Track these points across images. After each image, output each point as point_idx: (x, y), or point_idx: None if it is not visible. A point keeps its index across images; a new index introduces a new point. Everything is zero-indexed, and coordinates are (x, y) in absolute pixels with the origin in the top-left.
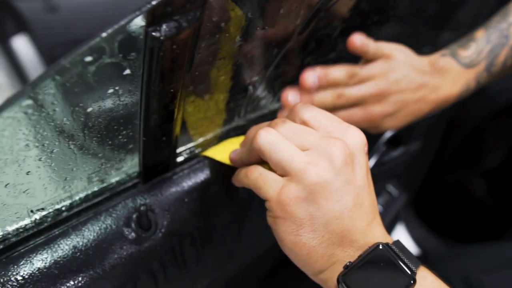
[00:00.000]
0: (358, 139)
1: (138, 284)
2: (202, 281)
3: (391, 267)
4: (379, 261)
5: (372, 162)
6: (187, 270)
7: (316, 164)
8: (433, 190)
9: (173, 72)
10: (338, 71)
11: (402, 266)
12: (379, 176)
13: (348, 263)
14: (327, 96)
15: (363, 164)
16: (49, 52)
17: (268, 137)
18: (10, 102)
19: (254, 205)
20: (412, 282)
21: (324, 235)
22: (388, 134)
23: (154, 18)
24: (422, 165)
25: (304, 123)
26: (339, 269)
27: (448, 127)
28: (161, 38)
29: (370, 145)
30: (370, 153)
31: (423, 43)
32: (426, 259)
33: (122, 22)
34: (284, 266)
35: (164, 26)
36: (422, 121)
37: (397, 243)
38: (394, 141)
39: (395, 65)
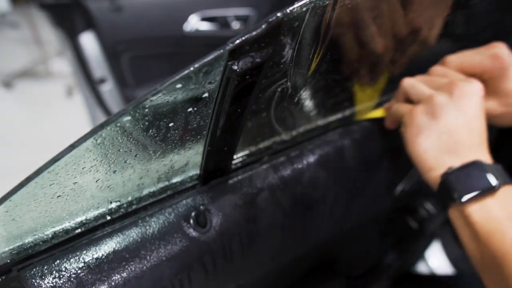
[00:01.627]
0: (475, 86)
1: (190, 273)
2: (244, 277)
3: (483, 176)
4: (476, 171)
5: (413, 179)
6: (232, 265)
7: (439, 94)
8: None
9: (242, 97)
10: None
11: (491, 176)
12: (417, 194)
13: (451, 167)
14: None
15: (477, 102)
16: (112, 48)
17: (409, 80)
18: (115, 117)
19: (298, 211)
20: (494, 187)
21: (437, 142)
22: None
23: (234, 55)
24: None
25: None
26: (444, 170)
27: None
28: (238, 70)
29: (409, 167)
30: (408, 173)
31: None
32: (461, 279)
33: (209, 58)
34: (313, 272)
35: (241, 61)
36: None
37: (496, 165)
38: None
39: None
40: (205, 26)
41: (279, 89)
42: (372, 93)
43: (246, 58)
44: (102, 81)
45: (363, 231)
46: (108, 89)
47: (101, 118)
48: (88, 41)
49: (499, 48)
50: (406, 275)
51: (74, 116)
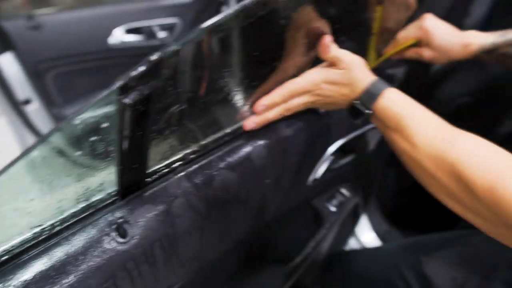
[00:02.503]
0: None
1: (116, 280)
2: (171, 278)
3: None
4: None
5: (323, 168)
6: (157, 268)
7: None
8: (392, 187)
9: (139, 122)
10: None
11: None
12: (332, 181)
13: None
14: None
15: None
16: (34, 68)
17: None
18: (23, 154)
19: (213, 213)
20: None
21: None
22: (337, 144)
23: (123, 90)
24: (377, 168)
25: None
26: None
27: None
28: (128, 103)
29: (320, 154)
30: (320, 161)
31: None
32: (387, 249)
33: (103, 95)
34: (245, 264)
35: (131, 95)
36: (370, 131)
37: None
38: (345, 150)
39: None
40: (130, 38)
41: (177, 109)
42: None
43: (134, 91)
44: (27, 102)
45: (284, 221)
46: (34, 109)
47: (31, 139)
48: (8, 62)
49: (424, 19)
50: (339, 254)
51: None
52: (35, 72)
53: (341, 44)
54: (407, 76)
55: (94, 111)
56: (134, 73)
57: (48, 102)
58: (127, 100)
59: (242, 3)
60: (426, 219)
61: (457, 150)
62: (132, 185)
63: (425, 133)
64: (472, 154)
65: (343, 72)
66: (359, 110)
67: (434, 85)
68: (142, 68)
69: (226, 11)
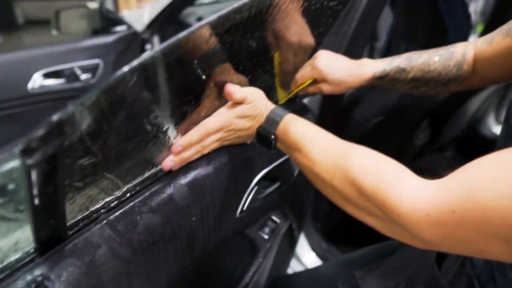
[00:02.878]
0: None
1: None
2: None
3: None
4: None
5: (250, 199)
6: None
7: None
8: (326, 207)
9: (49, 179)
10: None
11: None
12: (262, 209)
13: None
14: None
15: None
16: None
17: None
18: None
19: (139, 257)
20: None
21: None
22: (262, 174)
23: (25, 153)
24: (306, 190)
25: None
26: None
27: None
28: (32, 164)
29: (245, 185)
30: (246, 191)
31: None
32: (328, 268)
33: (7, 157)
34: None
35: (35, 156)
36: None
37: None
38: (270, 178)
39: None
40: (51, 82)
41: (90, 161)
42: None
43: (38, 152)
44: None
45: (220, 253)
46: None
47: None
48: None
49: (316, 59)
50: (282, 278)
51: None
52: None
53: (255, 80)
54: (323, 102)
55: None
56: (34, 135)
57: None
58: (30, 161)
59: (144, 56)
60: (361, 234)
61: (349, 160)
62: (52, 240)
63: (321, 149)
64: (362, 162)
65: (250, 106)
66: (265, 137)
67: (350, 108)
68: (41, 131)
69: (132, 64)
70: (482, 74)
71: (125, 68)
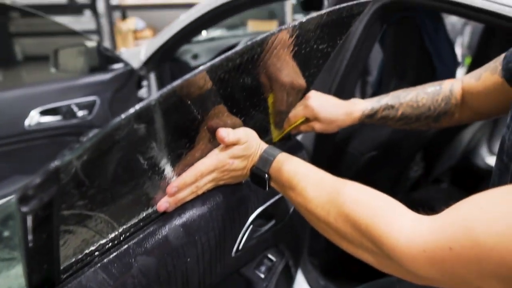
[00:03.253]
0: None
1: None
2: None
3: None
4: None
5: (245, 238)
6: None
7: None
8: (323, 243)
9: (44, 225)
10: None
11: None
12: (258, 248)
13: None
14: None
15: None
16: None
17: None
18: None
19: None
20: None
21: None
22: (257, 212)
23: (21, 201)
24: (302, 227)
25: None
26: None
27: None
28: (28, 211)
29: (241, 224)
30: (241, 230)
31: None
32: None
33: (4, 205)
34: None
35: (31, 203)
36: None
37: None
38: (265, 216)
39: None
40: (48, 119)
41: (86, 204)
42: None
43: (34, 200)
44: None
45: None
46: None
47: None
48: None
49: (308, 99)
50: None
51: None
52: None
53: (249, 121)
54: (317, 138)
55: None
56: (31, 183)
57: None
58: (26, 209)
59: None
60: (359, 270)
61: (343, 196)
62: (45, 285)
63: (314, 186)
64: (356, 198)
65: (244, 147)
66: (258, 176)
67: (344, 143)
68: (38, 179)
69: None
70: (473, 109)
71: (122, 116)
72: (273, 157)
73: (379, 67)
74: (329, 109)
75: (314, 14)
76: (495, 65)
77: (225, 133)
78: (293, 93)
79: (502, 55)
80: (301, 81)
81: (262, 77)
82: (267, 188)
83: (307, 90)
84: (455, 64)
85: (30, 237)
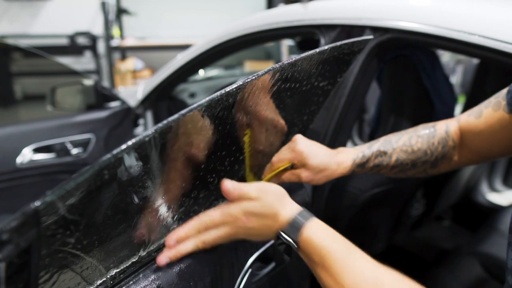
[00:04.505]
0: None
1: None
2: None
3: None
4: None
5: (243, 283)
6: None
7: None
8: None
9: (18, 275)
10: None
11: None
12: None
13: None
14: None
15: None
16: None
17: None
18: None
19: None
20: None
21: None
22: (257, 253)
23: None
24: (300, 272)
25: None
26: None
27: None
28: (1, 258)
29: (237, 270)
30: (239, 274)
31: None
32: None
33: None
34: None
35: (5, 250)
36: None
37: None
38: (264, 259)
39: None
40: (40, 156)
41: (71, 249)
42: None
43: (9, 245)
44: None
45: None
46: None
47: None
48: None
49: (296, 142)
50: None
51: None
52: None
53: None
54: None
55: None
56: (6, 227)
57: None
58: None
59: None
60: None
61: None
62: None
63: (352, 274)
64: None
65: (259, 204)
66: (284, 243)
67: (344, 181)
68: (14, 222)
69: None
70: (473, 150)
71: (112, 153)
72: (303, 223)
73: (376, 104)
74: (320, 156)
75: (317, 50)
76: (497, 100)
77: (230, 186)
78: (273, 132)
79: (504, 90)
80: (280, 119)
81: (240, 115)
82: (291, 258)
83: (305, 128)
84: (453, 100)
85: (3, 286)
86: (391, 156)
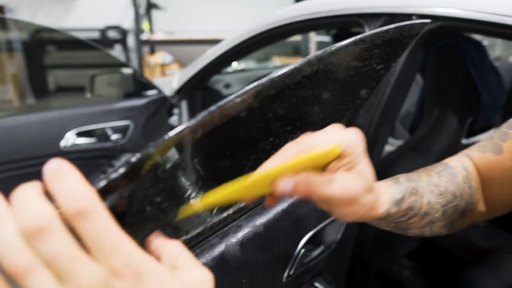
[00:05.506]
0: None
1: None
2: None
3: None
4: None
5: (296, 263)
6: None
7: None
8: (360, 276)
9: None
10: None
11: None
12: (306, 274)
13: None
14: None
15: None
16: None
17: None
18: None
19: None
20: None
21: None
22: (310, 234)
23: (102, 194)
24: (344, 256)
25: None
26: None
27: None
28: (108, 207)
29: (291, 248)
30: (294, 253)
31: None
32: None
33: None
34: None
35: (110, 199)
36: (334, 222)
37: None
38: (314, 242)
39: None
40: (82, 141)
41: (162, 206)
42: None
43: (114, 194)
44: None
45: None
46: None
47: None
48: None
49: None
50: None
51: None
52: None
53: None
54: None
55: None
56: (112, 177)
57: None
58: (106, 204)
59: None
60: None
61: None
62: None
63: None
64: None
65: None
66: None
67: (384, 173)
68: (121, 171)
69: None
70: (506, 196)
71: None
72: None
73: (419, 96)
74: (370, 168)
75: (383, 28)
76: None
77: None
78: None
79: None
80: (344, 98)
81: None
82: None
83: (356, 113)
84: (501, 91)
85: None
86: (422, 196)
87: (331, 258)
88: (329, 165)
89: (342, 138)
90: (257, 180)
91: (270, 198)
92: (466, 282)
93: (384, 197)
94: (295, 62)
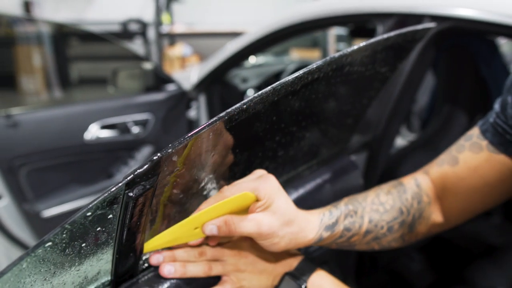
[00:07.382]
0: None
1: None
2: None
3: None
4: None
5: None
6: None
7: None
8: (369, 267)
9: (140, 214)
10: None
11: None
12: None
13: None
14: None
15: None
16: (8, 164)
17: None
18: (40, 244)
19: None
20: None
21: None
22: None
23: (129, 185)
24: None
25: None
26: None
27: None
28: (133, 196)
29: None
30: None
31: None
32: None
33: (112, 190)
34: None
35: (135, 189)
36: None
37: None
38: None
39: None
40: (105, 133)
41: (172, 198)
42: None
43: (139, 186)
44: None
45: None
46: (3, 205)
47: None
48: None
49: (264, 173)
50: None
51: None
52: (8, 168)
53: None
54: (369, 160)
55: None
56: (139, 171)
57: (20, 198)
58: (131, 194)
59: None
60: None
61: None
62: (125, 274)
63: None
64: None
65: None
66: None
67: (394, 167)
68: (146, 167)
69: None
70: (457, 204)
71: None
72: (306, 276)
73: (430, 94)
74: (289, 202)
75: (384, 35)
76: (473, 142)
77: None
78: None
79: (474, 131)
80: (348, 102)
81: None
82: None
83: (363, 113)
84: None
85: (127, 223)
86: (362, 216)
87: (338, 249)
88: (248, 209)
89: (255, 186)
90: (185, 225)
91: (210, 240)
92: (473, 276)
93: (313, 224)
94: (297, 72)
